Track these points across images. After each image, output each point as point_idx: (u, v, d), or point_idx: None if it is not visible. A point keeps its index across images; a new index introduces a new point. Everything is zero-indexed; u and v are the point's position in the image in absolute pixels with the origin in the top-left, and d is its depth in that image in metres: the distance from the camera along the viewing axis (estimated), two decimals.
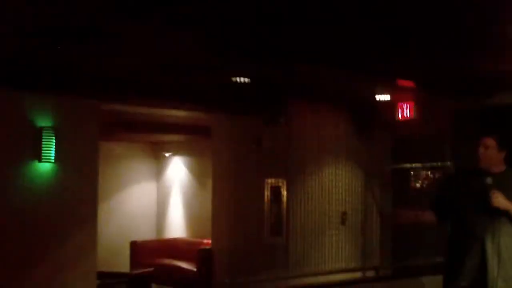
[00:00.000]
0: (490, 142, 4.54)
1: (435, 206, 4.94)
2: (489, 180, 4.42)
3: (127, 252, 11.38)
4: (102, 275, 7.97)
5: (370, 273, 8.05)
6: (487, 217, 4.44)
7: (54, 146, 6.75)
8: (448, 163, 7.60)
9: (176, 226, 12.14)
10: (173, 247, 11.60)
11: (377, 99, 7.60)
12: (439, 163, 7.98)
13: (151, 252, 11.36)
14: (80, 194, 7.01)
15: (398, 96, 7.73)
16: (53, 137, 6.74)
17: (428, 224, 7.38)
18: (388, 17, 4.89)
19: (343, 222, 7.98)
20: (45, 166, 6.76)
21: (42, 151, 6.68)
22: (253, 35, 5.39)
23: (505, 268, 4.47)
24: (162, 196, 12.54)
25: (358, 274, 8.03)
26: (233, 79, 6.61)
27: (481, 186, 4.44)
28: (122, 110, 7.87)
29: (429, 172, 8.16)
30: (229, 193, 8.35)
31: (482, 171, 4.54)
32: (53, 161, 6.76)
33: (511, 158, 4.67)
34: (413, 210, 8.14)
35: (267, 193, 8.03)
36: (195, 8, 4.57)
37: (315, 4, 4.59)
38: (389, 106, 7.93)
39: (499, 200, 4.36)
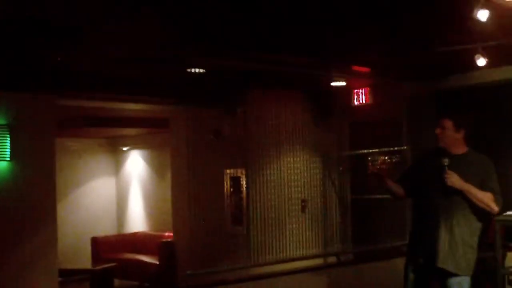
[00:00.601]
0: (447, 123, 4.68)
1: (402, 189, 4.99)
2: (445, 160, 4.55)
3: (88, 248, 11.29)
4: (64, 272, 7.90)
5: (332, 259, 8.12)
6: (443, 196, 4.59)
7: (9, 144, 6.64)
8: (405, 147, 7.71)
9: (137, 220, 12.09)
10: (135, 241, 11.55)
11: (333, 85, 7.67)
12: (396, 148, 8.08)
13: (112, 247, 11.29)
14: (38, 192, 6.91)
15: (354, 82, 7.80)
16: (8, 135, 6.63)
17: (387, 208, 7.49)
18: (343, 2, 4.93)
19: (303, 209, 8.04)
20: (1, 165, 6.65)
21: None
22: (208, 24, 5.37)
23: (455, 245, 4.61)
24: (122, 190, 12.46)
25: (319, 260, 8.09)
26: (189, 70, 6.58)
27: (439, 166, 4.57)
28: (78, 105, 7.78)
29: (386, 157, 8.26)
30: (189, 185, 8.32)
31: (441, 152, 4.67)
32: (8, 159, 6.65)
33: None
34: (372, 194, 8.24)
35: (227, 184, 8.04)
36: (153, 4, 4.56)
37: None
38: (345, 92, 8.00)
39: (453, 179, 4.50)
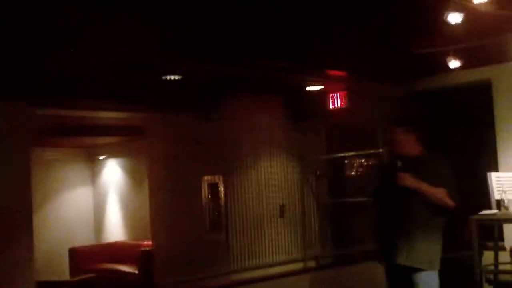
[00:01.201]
0: (397, 128, 5.00)
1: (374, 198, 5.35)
2: (398, 163, 4.87)
3: (66, 259, 11.19)
4: (42, 285, 7.82)
5: (311, 263, 8.14)
6: (400, 197, 4.87)
7: None
8: (381, 150, 7.76)
9: (115, 229, 12.01)
10: (113, 251, 11.48)
11: (309, 89, 7.69)
12: (372, 151, 8.13)
13: (90, 258, 11.21)
14: (13, 203, 6.82)
15: (330, 85, 7.83)
16: None
17: (364, 211, 7.51)
18: (316, 5, 4.95)
19: (281, 214, 8.04)
20: None
21: None
22: (183, 30, 5.37)
23: (415, 242, 4.84)
24: (99, 200, 12.39)
25: (299, 265, 8.10)
26: (164, 77, 6.56)
27: (393, 169, 4.90)
28: (54, 114, 7.71)
29: (363, 160, 8.31)
30: (166, 193, 8.30)
31: (396, 156, 5.00)
32: None
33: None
34: (349, 198, 8.27)
35: (204, 190, 8.02)
36: (126, 6, 4.53)
37: None
38: (321, 96, 8.03)
39: (404, 180, 4.79)
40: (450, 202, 4.81)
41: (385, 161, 5.58)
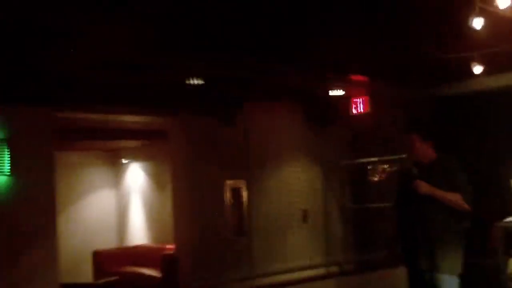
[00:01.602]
0: (414, 137, 5.11)
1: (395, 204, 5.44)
2: (414, 170, 5.01)
3: (89, 261, 11.25)
4: (65, 287, 7.87)
5: (334, 268, 8.11)
6: (421, 204, 4.97)
7: (8, 158, 6.64)
8: (404, 155, 7.70)
9: (138, 232, 12.05)
10: (136, 254, 11.50)
11: (332, 94, 7.67)
12: (395, 156, 8.08)
13: (114, 261, 11.24)
14: (38, 206, 6.89)
15: (353, 90, 7.81)
16: (7, 149, 6.63)
17: (387, 216, 7.47)
18: (337, 11, 4.96)
19: (304, 219, 8.03)
20: (1, 179, 6.65)
21: None
22: (208, 35, 5.39)
23: (439, 247, 4.92)
24: (122, 203, 12.44)
25: (322, 270, 8.08)
26: (187, 81, 6.59)
27: (410, 176, 5.01)
28: (77, 118, 7.78)
29: (386, 165, 8.26)
30: (190, 197, 8.31)
31: (414, 163, 5.12)
32: (8, 173, 6.65)
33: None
34: (372, 203, 8.23)
35: (227, 195, 8.03)
36: (149, 9, 4.56)
37: (265, 1, 4.63)
38: (344, 101, 8.01)
39: (421, 187, 4.90)
40: (465, 205, 4.91)
41: (404, 167, 5.62)
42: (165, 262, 9.70)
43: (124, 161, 12.22)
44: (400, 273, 5.60)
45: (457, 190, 4.92)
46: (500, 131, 8.04)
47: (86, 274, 11.00)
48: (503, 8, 4.31)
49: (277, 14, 4.89)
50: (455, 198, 4.90)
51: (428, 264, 4.96)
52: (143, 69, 6.26)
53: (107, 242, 12.00)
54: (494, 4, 4.28)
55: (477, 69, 6.34)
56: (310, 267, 7.94)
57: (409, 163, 5.20)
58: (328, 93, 7.64)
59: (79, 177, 11.92)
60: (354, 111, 7.96)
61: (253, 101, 7.81)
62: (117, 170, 12.53)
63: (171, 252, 9.67)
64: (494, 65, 6.67)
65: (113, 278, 9.71)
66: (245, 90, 7.43)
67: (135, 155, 12.00)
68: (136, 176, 12.12)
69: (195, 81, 6.61)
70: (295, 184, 8.03)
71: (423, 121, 5.81)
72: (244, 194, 7.84)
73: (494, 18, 4.64)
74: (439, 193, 4.90)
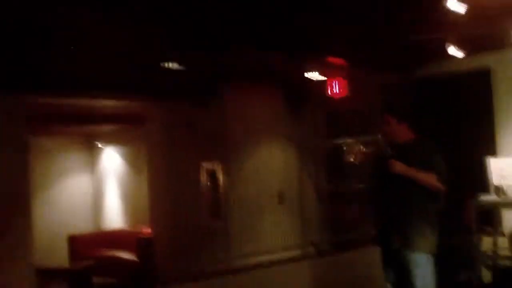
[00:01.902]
0: (389, 118, 5.17)
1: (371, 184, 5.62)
2: (388, 151, 5.06)
3: (65, 246, 11.21)
4: (41, 272, 7.84)
5: (310, 249, 8.16)
6: (395, 184, 5.00)
7: None
8: (379, 136, 7.75)
9: (114, 216, 12.02)
10: (112, 238, 11.49)
11: (308, 76, 7.68)
12: (371, 137, 8.11)
13: (90, 245, 11.22)
14: (12, 190, 6.84)
15: (329, 72, 7.81)
16: None
17: (363, 197, 7.53)
18: None
19: (280, 200, 8.06)
20: None
21: None
22: (181, 19, 5.35)
23: (414, 226, 4.98)
24: (98, 187, 12.39)
25: (298, 251, 8.12)
26: (163, 64, 6.55)
27: (385, 157, 5.06)
28: (51, 102, 7.70)
29: (362, 147, 8.29)
30: (165, 180, 8.31)
31: (389, 144, 5.17)
32: None
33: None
34: (348, 184, 8.28)
35: (203, 177, 8.03)
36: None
37: None
38: (320, 83, 8.02)
39: (395, 167, 4.93)
40: (440, 186, 4.94)
41: (380, 148, 5.67)
42: (141, 245, 9.71)
43: (100, 145, 12.16)
44: (375, 253, 5.66)
45: (432, 170, 4.94)
46: (475, 111, 8.12)
47: (62, 258, 10.96)
48: None
49: None
50: (429, 178, 4.93)
51: (401, 243, 5.01)
52: (118, 55, 6.20)
53: (83, 226, 11.96)
54: None
55: (453, 50, 6.39)
56: (286, 248, 7.97)
57: (384, 144, 5.24)
58: (304, 75, 7.64)
59: (55, 162, 11.85)
60: (330, 93, 7.97)
61: (229, 83, 7.79)
62: (93, 154, 12.47)
63: (147, 235, 9.67)
64: (469, 46, 6.72)
65: (89, 262, 9.69)
66: (221, 73, 7.41)
67: (111, 139, 11.95)
68: (112, 160, 12.07)
69: (171, 65, 6.58)
70: (271, 166, 8.04)
71: (398, 103, 5.83)
72: (220, 176, 7.84)
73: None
74: (414, 172, 4.92)
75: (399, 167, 4.92)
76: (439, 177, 4.93)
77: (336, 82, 7.87)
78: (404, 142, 5.11)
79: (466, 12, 4.96)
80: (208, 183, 8.04)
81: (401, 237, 5.00)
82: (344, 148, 8.45)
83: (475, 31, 6.00)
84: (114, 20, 5.10)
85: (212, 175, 7.99)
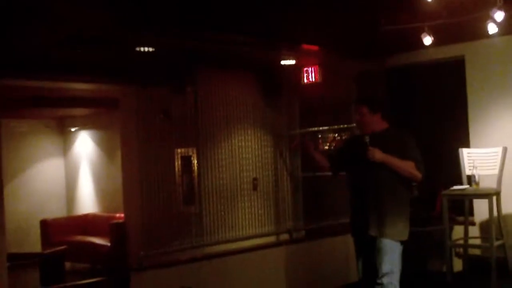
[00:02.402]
0: (363, 109, 5.16)
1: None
2: (366, 137, 5.03)
3: (37, 231, 11.12)
4: (12, 257, 7.76)
5: (284, 236, 8.19)
6: (369, 172, 5.04)
7: None
8: (354, 124, 7.79)
9: (87, 201, 11.95)
10: (85, 223, 11.43)
11: (283, 64, 7.68)
12: (346, 125, 8.16)
13: (62, 230, 11.15)
14: None
15: (303, 60, 7.82)
16: None
17: (337, 185, 7.57)
18: None
19: (254, 187, 8.05)
20: None
21: None
22: (155, 2, 5.31)
23: (384, 215, 5.01)
24: (71, 172, 12.30)
25: (272, 238, 8.15)
26: (138, 49, 6.50)
27: (362, 144, 5.04)
28: (23, 85, 7.59)
29: (336, 134, 8.33)
30: (139, 165, 8.24)
31: (364, 132, 5.18)
32: None
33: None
34: (322, 172, 8.31)
35: (178, 163, 7.98)
36: None
37: None
38: (295, 71, 8.02)
39: (374, 154, 4.94)
40: (417, 174, 4.98)
41: (354, 135, 5.72)
42: (114, 230, 9.66)
43: (73, 129, 12.06)
44: (349, 240, 5.70)
45: (409, 158, 4.97)
46: (449, 102, 8.19)
47: (35, 243, 10.89)
48: None
49: None
50: (408, 166, 4.95)
51: (374, 230, 5.05)
52: (92, 40, 6.13)
53: (56, 211, 11.87)
54: None
55: (427, 40, 6.42)
56: (260, 235, 7.99)
57: (360, 132, 5.27)
58: (279, 62, 7.63)
59: (27, 146, 11.73)
60: (305, 80, 7.98)
61: (204, 70, 7.75)
62: (66, 138, 12.37)
63: (121, 220, 9.62)
64: (443, 36, 6.76)
65: (61, 248, 9.63)
66: (196, 58, 7.37)
67: (84, 124, 11.85)
68: (85, 144, 11.97)
69: (145, 49, 6.52)
70: (245, 153, 8.03)
71: (371, 93, 5.86)
72: (195, 162, 7.81)
73: None
74: (393, 160, 4.95)
75: (379, 155, 4.93)
76: (417, 165, 4.96)
77: (311, 69, 7.88)
78: (378, 132, 5.12)
79: (441, 1, 4.97)
80: (183, 169, 8.00)
81: (375, 225, 5.04)
82: (319, 136, 8.51)
83: (449, 21, 6.03)
84: (88, 1, 5.04)
85: (187, 161, 7.95)
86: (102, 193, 11.63)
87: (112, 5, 5.18)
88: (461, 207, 7.60)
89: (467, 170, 7.38)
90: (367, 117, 5.13)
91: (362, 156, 4.99)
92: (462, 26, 6.42)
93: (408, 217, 5.19)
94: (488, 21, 5.84)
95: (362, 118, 5.17)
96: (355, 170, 5.24)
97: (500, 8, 5.51)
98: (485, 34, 6.34)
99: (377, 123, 5.14)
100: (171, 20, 5.76)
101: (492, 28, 5.95)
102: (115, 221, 9.99)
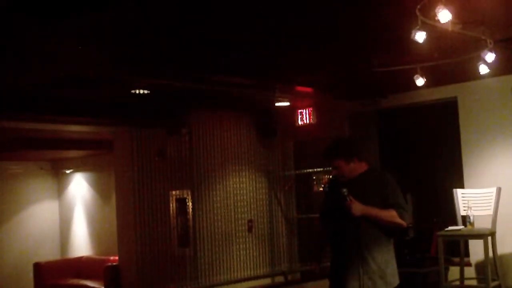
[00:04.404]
0: (339, 162, 4.81)
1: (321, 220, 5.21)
2: (344, 191, 4.62)
3: (31, 274, 11.01)
4: None
5: (279, 278, 8.13)
6: (349, 225, 4.67)
7: None
8: (343, 190, 7.79)
9: (81, 244, 11.86)
10: (79, 266, 11.33)
11: (278, 105, 7.72)
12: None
13: (56, 273, 11.04)
14: None
15: (298, 102, 7.87)
16: None
17: None
18: (282, 23, 4.99)
19: (249, 229, 8.03)
20: None
21: None
22: (151, 45, 5.36)
23: (368, 265, 4.69)
24: (65, 214, 12.23)
25: (267, 280, 8.09)
26: (133, 91, 6.54)
27: (340, 196, 4.64)
28: (17, 127, 7.61)
29: (331, 176, 8.33)
30: (134, 207, 8.23)
31: (340, 183, 4.76)
32: None
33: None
34: (317, 213, 8.29)
35: (172, 205, 7.98)
36: (94, 20, 4.50)
37: (212, 15, 4.64)
38: (290, 112, 8.07)
39: (355, 209, 4.59)
40: (401, 222, 4.69)
41: (328, 185, 5.43)
42: (108, 273, 9.57)
43: (67, 171, 12.03)
44: None
45: (391, 204, 4.71)
46: (443, 142, 8.22)
47: (28, 286, 10.77)
48: (443, 22, 4.40)
49: (224, 25, 4.89)
50: (390, 216, 4.67)
51: (366, 283, 4.71)
52: (87, 81, 6.17)
53: (49, 254, 11.77)
54: (436, 18, 4.37)
55: (420, 81, 6.47)
56: (255, 277, 7.94)
57: (335, 179, 4.93)
58: (274, 104, 7.68)
59: (21, 188, 11.68)
60: (300, 122, 8.02)
61: (199, 111, 7.79)
62: (61, 180, 12.33)
63: (115, 263, 9.54)
64: (435, 77, 6.82)
65: None
66: (191, 100, 7.41)
67: (79, 165, 11.83)
68: (80, 186, 11.94)
69: (140, 91, 6.56)
70: (240, 194, 8.03)
71: (342, 141, 5.51)
72: (189, 204, 7.80)
73: (436, 32, 4.74)
74: (374, 212, 4.66)
75: (359, 210, 4.62)
76: (399, 212, 4.68)
77: (305, 111, 7.93)
78: (357, 176, 4.82)
79: (433, 44, 5.03)
80: (177, 211, 7.99)
81: (366, 278, 4.70)
82: (314, 177, 8.52)
83: (442, 62, 6.09)
84: (84, 44, 5.08)
85: (182, 203, 7.94)
86: (97, 235, 11.55)
87: (107, 46, 5.22)
88: (457, 248, 7.57)
89: (462, 210, 7.37)
90: (345, 168, 4.80)
91: (342, 209, 4.64)
92: (454, 67, 6.48)
93: (395, 259, 4.97)
94: (480, 62, 5.89)
95: (339, 171, 4.83)
96: (334, 223, 4.88)
97: (490, 50, 5.57)
98: (477, 75, 6.39)
99: (355, 169, 4.82)
100: (166, 62, 5.81)
101: (483, 69, 5.99)
102: (109, 264, 9.90)
